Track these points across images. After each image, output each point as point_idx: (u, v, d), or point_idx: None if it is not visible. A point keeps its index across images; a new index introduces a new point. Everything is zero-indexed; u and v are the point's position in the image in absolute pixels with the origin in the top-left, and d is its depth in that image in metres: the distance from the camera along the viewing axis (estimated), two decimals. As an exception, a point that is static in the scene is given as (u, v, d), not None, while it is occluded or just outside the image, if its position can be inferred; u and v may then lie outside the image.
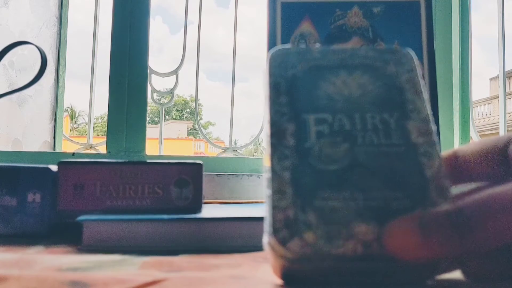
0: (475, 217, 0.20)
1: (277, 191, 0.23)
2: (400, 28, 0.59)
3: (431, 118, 0.26)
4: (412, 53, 0.29)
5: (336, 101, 0.27)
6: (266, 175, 0.25)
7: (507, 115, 0.92)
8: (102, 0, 1.01)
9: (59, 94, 1.00)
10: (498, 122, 0.93)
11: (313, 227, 0.22)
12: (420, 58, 0.58)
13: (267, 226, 0.23)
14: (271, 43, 0.52)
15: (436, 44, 0.58)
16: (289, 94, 0.27)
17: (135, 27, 0.89)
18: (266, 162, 0.25)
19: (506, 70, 0.95)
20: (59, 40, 1.01)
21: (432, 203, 0.23)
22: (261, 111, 0.26)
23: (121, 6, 0.89)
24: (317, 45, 0.30)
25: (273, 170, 0.24)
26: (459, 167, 0.27)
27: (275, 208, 0.23)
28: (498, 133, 0.92)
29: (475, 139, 0.91)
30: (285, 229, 0.22)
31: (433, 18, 0.58)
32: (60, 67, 1.01)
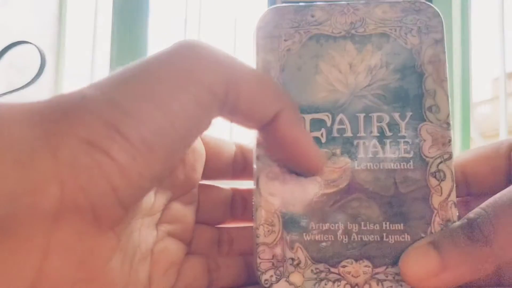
0: (486, 222, 0.19)
1: (265, 222, 0.20)
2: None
3: (451, 119, 0.21)
4: (440, 13, 0.22)
5: (338, 94, 0.21)
6: (253, 198, 0.21)
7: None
8: (102, 0, 1.01)
9: (58, 94, 1.00)
10: (498, 122, 0.92)
11: (301, 267, 0.20)
12: (421, 58, 0.58)
13: (254, 263, 0.20)
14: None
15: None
16: (282, 80, 0.21)
17: (135, 27, 0.89)
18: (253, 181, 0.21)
19: (507, 70, 0.95)
20: (59, 40, 1.01)
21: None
22: None
23: (121, 6, 0.89)
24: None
25: (260, 193, 0.21)
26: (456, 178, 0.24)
27: (262, 244, 0.20)
28: (499, 132, 0.92)
29: (476, 140, 0.91)
30: (271, 270, 0.20)
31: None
32: (60, 67, 1.01)
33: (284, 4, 0.22)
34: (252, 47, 0.22)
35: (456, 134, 0.87)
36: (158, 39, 0.99)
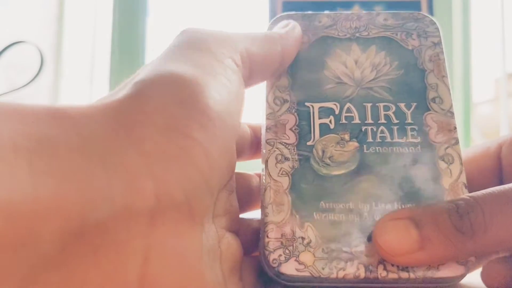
0: (479, 219, 0.18)
1: (274, 202, 0.20)
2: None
3: (454, 109, 0.22)
4: (437, 22, 0.24)
5: (345, 86, 0.23)
6: (261, 180, 0.21)
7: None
8: (102, 0, 1.01)
9: (58, 94, 1.00)
10: (499, 122, 0.92)
11: (311, 246, 0.19)
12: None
13: (260, 243, 0.20)
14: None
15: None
16: (291, 74, 0.23)
17: (135, 27, 0.89)
18: (262, 164, 0.22)
19: (506, 70, 0.94)
20: (58, 40, 1.01)
21: None
22: (262, 92, 0.24)
23: (121, 6, 0.89)
24: (326, 11, 0.24)
25: (270, 174, 0.21)
26: None
27: (271, 223, 0.20)
28: (499, 133, 0.91)
29: (477, 140, 0.91)
30: (280, 249, 0.19)
31: (434, 18, 0.58)
32: (59, 67, 1.01)
33: (293, 12, 0.25)
34: None
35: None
36: (158, 40, 0.99)
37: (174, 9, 1.04)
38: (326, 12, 0.25)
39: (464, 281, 0.24)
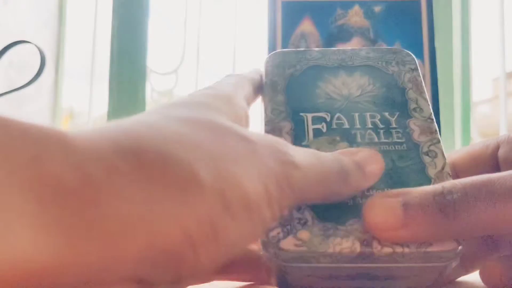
0: (462, 200, 0.19)
1: None
2: (401, 27, 0.58)
3: (434, 117, 0.25)
4: (413, 55, 0.29)
5: (335, 100, 0.26)
6: None
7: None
8: (102, 0, 1.01)
9: (58, 94, 1.00)
10: (498, 121, 0.92)
11: (308, 225, 0.21)
12: (421, 58, 0.58)
13: None
14: (271, 42, 0.52)
15: (437, 44, 0.58)
16: (287, 93, 0.27)
17: (135, 27, 0.89)
18: None
19: (507, 70, 0.95)
20: (59, 40, 1.01)
21: None
22: (261, 109, 0.27)
23: (121, 6, 0.89)
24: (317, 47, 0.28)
25: None
26: None
27: None
28: (499, 132, 0.92)
29: (476, 139, 0.91)
30: (278, 228, 0.21)
31: (434, 17, 0.58)
32: (60, 66, 1.01)
33: (286, 49, 0.30)
34: (262, 76, 0.28)
35: (456, 134, 0.87)
36: (158, 40, 0.99)
37: (174, 10, 1.04)
38: (316, 49, 0.30)
39: (464, 280, 0.24)
